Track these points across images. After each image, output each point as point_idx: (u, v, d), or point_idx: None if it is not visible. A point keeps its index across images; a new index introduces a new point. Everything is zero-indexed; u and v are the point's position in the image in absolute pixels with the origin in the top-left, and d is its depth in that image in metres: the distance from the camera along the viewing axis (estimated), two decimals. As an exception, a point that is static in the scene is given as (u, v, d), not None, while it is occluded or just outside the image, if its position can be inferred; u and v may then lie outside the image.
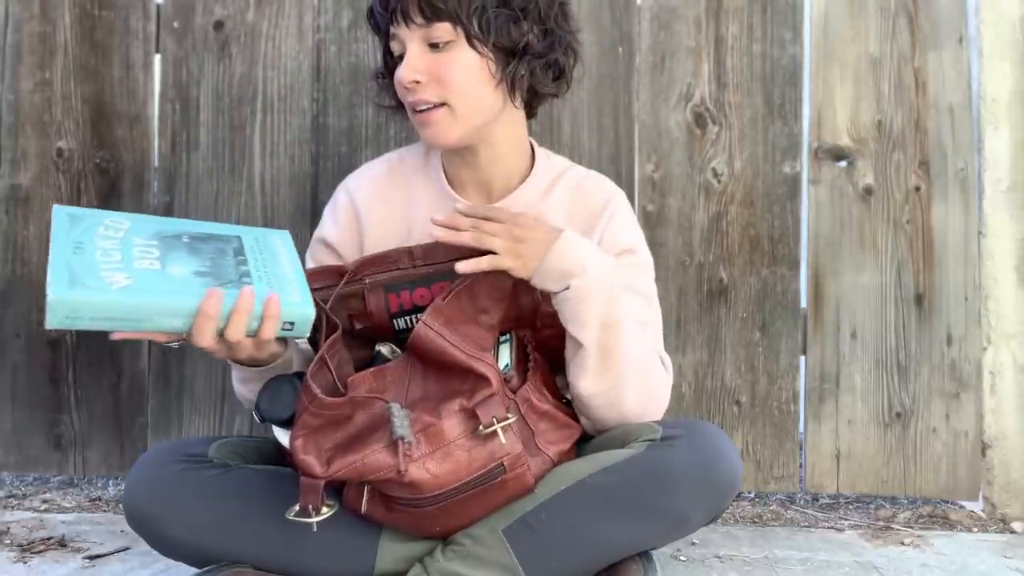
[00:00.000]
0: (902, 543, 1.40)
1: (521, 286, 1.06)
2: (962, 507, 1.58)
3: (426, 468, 0.96)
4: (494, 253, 1.02)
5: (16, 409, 1.58)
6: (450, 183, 1.23)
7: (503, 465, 0.99)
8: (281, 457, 1.10)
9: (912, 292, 1.56)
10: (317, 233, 1.27)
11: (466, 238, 1.03)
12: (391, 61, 1.17)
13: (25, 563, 1.26)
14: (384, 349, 1.08)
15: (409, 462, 0.94)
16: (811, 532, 1.47)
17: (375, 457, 0.94)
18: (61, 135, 1.59)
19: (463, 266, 1.02)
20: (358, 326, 1.09)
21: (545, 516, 1.02)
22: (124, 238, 0.98)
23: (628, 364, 1.07)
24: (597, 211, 1.21)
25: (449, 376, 1.00)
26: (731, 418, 1.56)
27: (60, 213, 0.99)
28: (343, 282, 1.09)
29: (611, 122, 1.57)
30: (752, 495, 1.65)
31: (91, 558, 1.29)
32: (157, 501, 1.06)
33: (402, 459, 0.93)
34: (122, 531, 1.39)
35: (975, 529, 1.50)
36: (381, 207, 1.24)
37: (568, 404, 1.14)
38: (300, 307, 0.98)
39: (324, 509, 0.95)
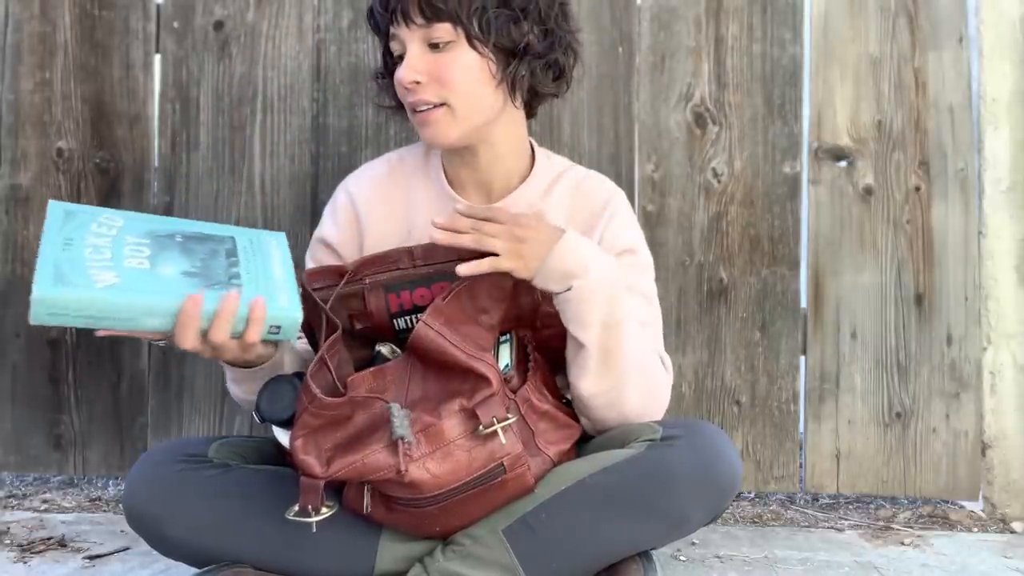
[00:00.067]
0: (902, 543, 1.40)
1: (521, 286, 1.06)
2: (962, 507, 1.58)
3: (426, 468, 0.96)
4: (495, 255, 1.02)
5: (16, 409, 1.58)
6: (450, 183, 1.23)
7: (503, 465, 0.99)
8: (281, 457, 1.10)
9: (912, 292, 1.56)
10: (317, 233, 1.27)
11: (467, 240, 1.02)
12: (391, 61, 1.17)
13: (25, 563, 1.26)
14: (384, 349, 1.08)
15: (409, 462, 0.94)
16: (811, 532, 1.47)
17: (375, 457, 0.94)
18: (61, 135, 1.59)
19: (464, 269, 1.01)
20: (358, 326, 1.09)
21: (545, 516, 1.01)
22: (117, 236, 0.97)
23: (629, 364, 1.07)
24: (597, 211, 1.21)
25: (449, 376, 1.00)
26: (731, 418, 1.56)
27: (56, 209, 0.98)
28: (343, 282, 1.09)
29: (611, 122, 1.57)
30: (752, 495, 1.65)
31: (91, 558, 1.29)
32: (157, 501, 1.06)
33: (402, 459, 0.93)
34: (122, 531, 1.39)
35: (975, 529, 1.50)
36: (381, 207, 1.24)
37: (568, 404, 1.14)
38: (287, 311, 0.97)
39: (324, 509, 0.95)
